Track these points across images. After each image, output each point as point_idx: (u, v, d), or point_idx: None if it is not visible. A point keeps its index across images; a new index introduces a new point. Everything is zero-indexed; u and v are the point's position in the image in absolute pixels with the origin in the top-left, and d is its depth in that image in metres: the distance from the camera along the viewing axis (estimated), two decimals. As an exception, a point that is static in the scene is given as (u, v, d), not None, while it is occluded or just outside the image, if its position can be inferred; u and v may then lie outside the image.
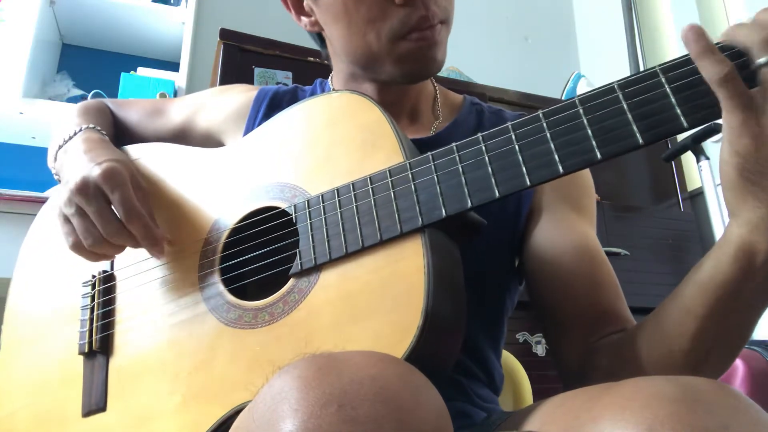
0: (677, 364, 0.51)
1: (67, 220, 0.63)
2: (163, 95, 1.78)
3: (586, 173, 0.73)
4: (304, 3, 0.71)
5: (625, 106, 0.45)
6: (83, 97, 1.87)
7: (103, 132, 0.74)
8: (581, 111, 0.47)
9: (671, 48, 2.33)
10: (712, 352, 0.50)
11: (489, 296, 0.68)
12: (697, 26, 0.44)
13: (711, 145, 2.14)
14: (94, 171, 0.61)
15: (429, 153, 0.53)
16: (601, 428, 0.36)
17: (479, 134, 0.51)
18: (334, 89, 0.78)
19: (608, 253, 1.92)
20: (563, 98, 2.20)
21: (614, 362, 0.57)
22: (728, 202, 0.46)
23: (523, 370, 0.96)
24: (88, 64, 2.05)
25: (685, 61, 0.45)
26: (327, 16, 0.68)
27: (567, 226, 0.66)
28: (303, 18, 0.72)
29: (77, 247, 0.63)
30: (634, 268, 1.79)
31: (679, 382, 0.37)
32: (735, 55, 0.44)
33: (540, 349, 1.62)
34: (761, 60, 0.42)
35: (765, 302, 0.49)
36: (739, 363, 1.14)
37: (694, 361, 0.50)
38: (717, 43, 0.45)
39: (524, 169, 0.48)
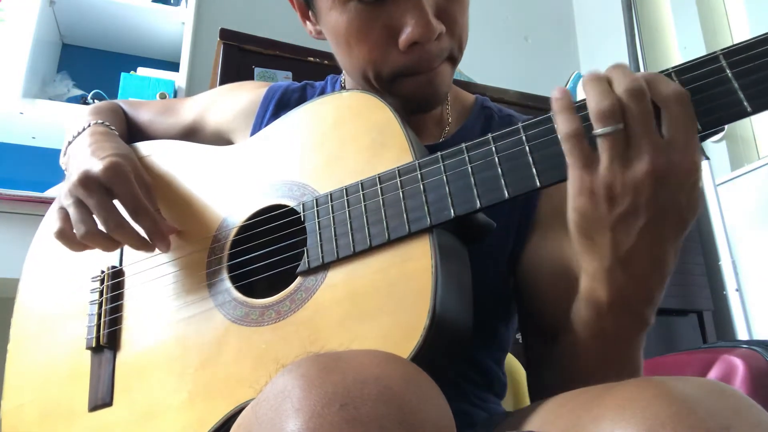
0: (580, 378, 0.51)
1: (61, 209, 0.62)
2: (163, 95, 1.77)
3: None
4: (309, 13, 0.69)
5: None
6: (83, 97, 1.87)
7: (112, 127, 0.74)
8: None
9: (671, 48, 2.33)
10: (606, 375, 0.51)
11: (485, 304, 0.67)
12: (564, 88, 0.47)
13: (711, 145, 2.15)
14: (97, 166, 0.60)
15: (438, 153, 0.53)
16: (601, 428, 0.36)
17: (489, 135, 0.50)
18: (344, 88, 0.78)
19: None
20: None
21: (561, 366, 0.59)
22: (575, 252, 0.49)
23: (524, 369, 0.95)
24: (88, 64, 2.04)
25: (691, 67, 0.45)
26: (329, 37, 0.66)
27: (557, 246, 0.65)
28: (308, 23, 0.70)
29: (61, 234, 0.62)
30: (634, 267, 1.78)
31: (680, 383, 0.37)
32: (587, 117, 0.45)
33: (540, 349, 1.61)
34: (596, 131, 0.44)
35: (631, 338, 0.50)
36: (739, 363, 1.14)
37: (593, 378, 0.51)
38: (581, 101, 0.46)
39: (534, 170, 0.48)
